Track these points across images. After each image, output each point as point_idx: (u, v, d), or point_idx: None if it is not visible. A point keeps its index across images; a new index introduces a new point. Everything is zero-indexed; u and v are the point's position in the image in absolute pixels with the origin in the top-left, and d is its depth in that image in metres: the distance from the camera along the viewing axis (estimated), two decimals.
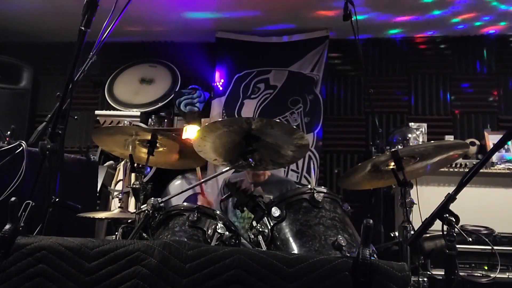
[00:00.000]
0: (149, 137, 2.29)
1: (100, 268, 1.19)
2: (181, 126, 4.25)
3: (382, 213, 3.59)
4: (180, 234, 1.81)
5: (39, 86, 4.85)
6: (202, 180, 2.64)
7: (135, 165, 2.34)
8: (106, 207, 3.96)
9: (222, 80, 4.43)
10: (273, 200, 1.81)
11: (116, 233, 2.45)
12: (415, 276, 2.24)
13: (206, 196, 3.04)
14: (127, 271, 1.18)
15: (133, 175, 3.56)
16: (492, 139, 3.84)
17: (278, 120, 2.60)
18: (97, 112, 4.45)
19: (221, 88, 4.42)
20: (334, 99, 4.53)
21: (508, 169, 3.49)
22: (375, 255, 1.49)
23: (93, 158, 3.21)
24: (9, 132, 2.53)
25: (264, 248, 1.69)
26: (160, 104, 4.43)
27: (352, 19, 2.33)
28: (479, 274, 2.93)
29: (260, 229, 1.73)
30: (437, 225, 1.33)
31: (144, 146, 2.36)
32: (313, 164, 4.11)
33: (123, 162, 3.96)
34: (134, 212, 2.10)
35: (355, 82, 4.53)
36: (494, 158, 3.52)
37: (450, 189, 1.31)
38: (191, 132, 4.00)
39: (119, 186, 3.91)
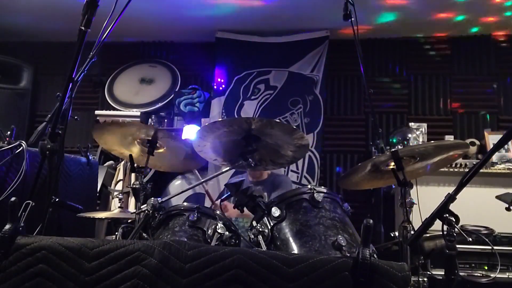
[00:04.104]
0: (149, 137, 2.29)
1: (100, 268, 1.19)
2: (181, 126, 4.25)
3: (382, 213, 3.59)
4: (180, 234, 1.81)
5: (39, 86, 4.85)
6: (202, 180, 2.64)
7: (135, 165, 2.34)
8: (106, 207, 3.96)
9: (222, 80, 4.44)
10: (273, 200, 1.82)
11: (116, 233, 2.45)
12: (415, 276, 2.24)
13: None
14: (127, 271, 1.18)
15: (133, 175, 3.57)
16: (492, 139, 3.84)
17: (278, 120, 2.59)
18: (97, 112, 4.44)
19: (221, 88, 4.42)
20: (334, 99, 4.53)
21: (508, 169, 3.49)
22: (375, 255, 1.49)
23: (93, 158, 3.21)
24: (9, 132, 2.52)
25: (264, 248, 1.69)
26: (160, 104, 4.43)
27: (352, 18, 2.33)
28: (479, 274, 2.93)
29: (260, 229, 1.73)
30: (437, 225, 1.33)
31: (144, 146, 2.36)
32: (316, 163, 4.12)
33: (123, 162, 3.96)
34: (134, 212, 2.10)
35: (355, 82, 4.53)
36: (494, 158, 3.53)
37: (450, 189, 1.30)
38: (191, 132, 4.00)
39: (119, 186, 3.91)
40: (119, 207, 2.60)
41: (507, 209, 2.47)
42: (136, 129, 2.30)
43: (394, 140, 3.81)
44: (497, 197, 2.59)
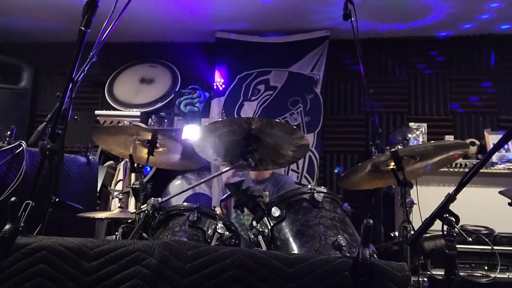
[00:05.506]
0: (149, 137, 2.29)
1: (100, 268, 1.19)
2: (181, 126, 4.25)
3: (382, 213, 3.59)
4: (180, 234, 1.81)
5: (39, 86, 4.85)
6: (202, 180, 2.64)
7: (135, 165, 2.34)
8: (106, 207, 3.96)
9: (222, 80, 4.43)
10: (273, 200, 1.82)
11: (116, 233, 2.45)
12: (415, 276, 2.24)
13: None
14: (127, 271, 1.18)
15: (133, 175, 3.57)
16: (492, 139, 3.84)
17: (278, 121, 2.59)
18: (97, 112, 4.44)
19: (221, 88, 4.41)
20: (334, 99, 4.53)
21: (508, 169, 3.49)
22: (375, 255, 1.49)
23: (93, 158, 3.21)
24: (9, 132, 2.52)
25: (264, 248, 1.69)
26: (160, 104, 4.43)
27: (352, 18, 2.33)
28: (479, 274, 2.93)
29: (260, 229, 1.73)
30: (437, 225, 1.33)
31: (144, 146, 2.37)
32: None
33: (123, 162, 3.96)
34: (134, 212, 2.10)
35: (355, 82, 4.53)
36: (494, 158, 3.53)
37: (450, 189, 1.31)
38: (191, 132, 4.00)
39: (119, 186, 3.91)
40: (119, 207, 2.61)
41: (510, 204, 2.46)
42: (135, 131, 2.30)
43: (394, 140, 3.80)
44: (500, 192, 2.58)
